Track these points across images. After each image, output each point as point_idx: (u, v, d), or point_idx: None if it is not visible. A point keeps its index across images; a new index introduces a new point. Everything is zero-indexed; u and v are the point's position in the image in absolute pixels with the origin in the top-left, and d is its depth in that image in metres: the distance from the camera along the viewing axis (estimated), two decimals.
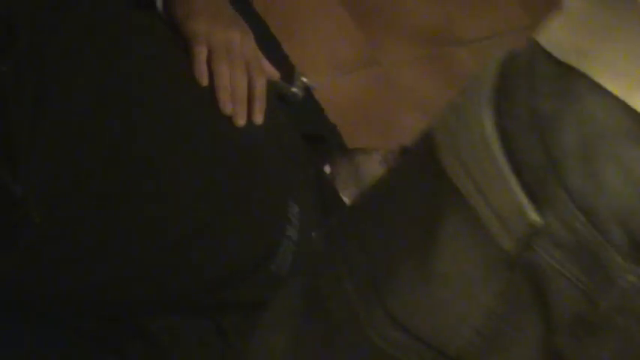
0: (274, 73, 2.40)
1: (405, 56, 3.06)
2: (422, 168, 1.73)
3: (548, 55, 1.49)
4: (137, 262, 2.17)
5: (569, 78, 1.55)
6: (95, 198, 2.07)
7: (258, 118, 2.27)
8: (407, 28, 3.13)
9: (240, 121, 2.24)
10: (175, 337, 2.18)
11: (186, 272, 2.22)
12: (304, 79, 2.62)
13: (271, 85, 2.40)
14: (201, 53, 2.26)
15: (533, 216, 1.56)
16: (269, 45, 2.61)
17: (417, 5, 3.18)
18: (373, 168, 2.45)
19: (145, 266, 2.18)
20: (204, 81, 2.25)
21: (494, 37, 3.26)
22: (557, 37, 1.54)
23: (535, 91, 1.58)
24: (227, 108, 2.24)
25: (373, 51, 3.01)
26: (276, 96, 2.39)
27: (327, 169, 2.46)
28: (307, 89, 2.64)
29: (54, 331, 2.22)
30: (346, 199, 2.46)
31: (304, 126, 2.55)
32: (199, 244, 2.22)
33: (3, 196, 1.93)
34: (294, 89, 2.47)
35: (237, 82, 2.26)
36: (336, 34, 2.98)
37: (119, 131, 2.11)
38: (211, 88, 2.27)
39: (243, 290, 2.27)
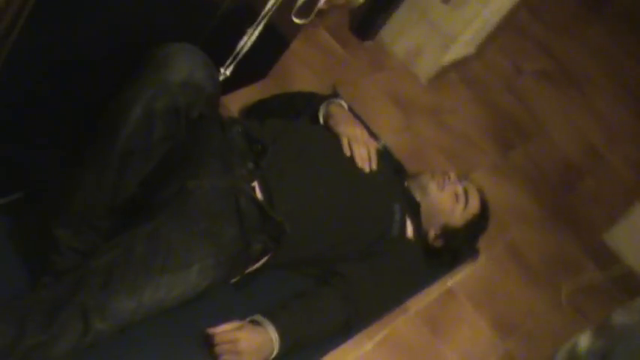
0: (375, 145, 2.35)
1: (421, 124, 3.04)
2: None
3: None
4: (330, 243, 2.15)
5: None
6: (312, 219, 2.07)
7: (374, 166, 2.26)
8: (418, 110, 3.10)
9: (367, 169, 2.25)
10: (343, 278, 2.18)
11: (356, 240, 2.21)
12: (382, 141, 2.59)
13: None
14: (345, 141, 2.25)
15: None
16: (366, 128, 2.55)
17: (423, 96, 3.15)
18: (426, 181, 2.42)
19: (333, 243, 2.17)
20: (348, 154, 2.22)
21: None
22: None
23: None
24: (361, 164, 2.23)
25: (408, 123, 2.98)
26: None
27: (405, 184, 2.44)
28: (385, 146, 2.60)
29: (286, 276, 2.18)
30: (417, 198, 2.41)
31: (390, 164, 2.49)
32: (364, 226, 2.21)
33: (271, 221, 1.91)
34: (380, 147, 2.42)
35: (363, 152, 2.26)
36: (390, 119, 2.96)
37: (321, 183, 2.11)
38: (352, 157, 2.24)
39: (381, 245, 2.25)
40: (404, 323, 2.37)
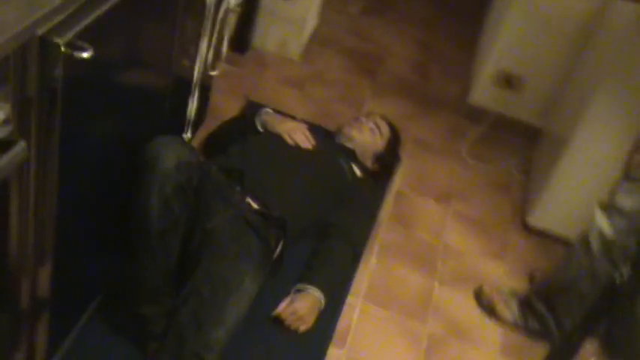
0: (305, 126, 2.30)
1: (314, 90, 2.98)
2: None
3: None
4: (314, 209, 2.12)
5: None
6: (296, 201, 2.04)
7: (313, 142, 2.23)
8: (306, 81, 3.02)
9: (310, 146, 2.23)
10: (336, 226, 2.16)
11: (328, 197, 2.18)
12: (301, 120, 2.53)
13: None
14: (285, 136, 2.22)
15: None
16: (289, 116, 2.49)
17: (303, 70, 3.08)
18: (348, 131, 2.42)
19: (316, 208, 2.13)
20: (293, 143, 2.18)
21: None
22: None
23: None
24: (304, 145, 2.19)
25: (305, 94, 2.92)
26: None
27: (337, 141, 2.42)
28: (305, 121, 2.53)
29: (298, 246, 2.13)
30: (349, 146, 2.38)
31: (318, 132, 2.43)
32: (328, 185, 2.17)
33: (273, 219, 1.89)
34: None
35: (302, 137, 2.22)
36: (293, 99, 2.88)
37: (288, 173, 2.08)
38: (296, 144, 2.19)
39: (347, 191, 2.23)
40: (383, 230, 2.39)
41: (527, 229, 2.53)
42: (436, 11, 3.92)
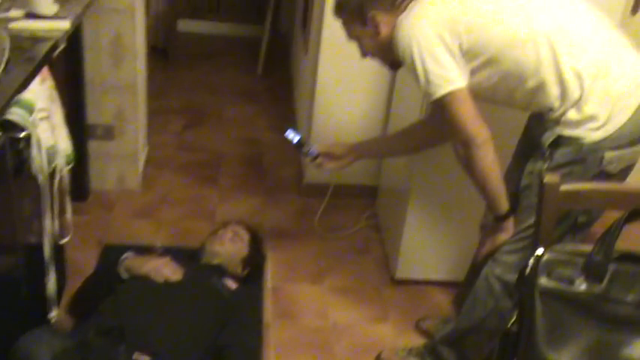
0: (167, 259, 2.10)
1: (164, 212, 2.77)
2: None
3: None
4: (205, 336, 1.92)
5: None
6: (185, 339, 1.83)
7: (180, 272, 2.03)
8: (152, 206, 2.82)
9: (179, 278, 2.02)
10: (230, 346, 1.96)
11: (213, 321, 1.98)
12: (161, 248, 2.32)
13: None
14: (152, 274, 2.01)
15: None
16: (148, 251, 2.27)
17: (148, 196, 2.87)
18: (210, 247, 2.24)
19: (206, 334, 1.93)
20: (162, 280, 1.98)
21: None
22: None
23: None
24: (174, 278, 2.01)
25: (158, 220, 2.71)
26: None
27: (202, 261, 2.22)
28: (164, 248, 2.33)
29: None
30: (216, 262, 2.20)
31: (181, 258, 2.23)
32: (209, 309, 1.98)
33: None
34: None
35: (167, 271, 2.03)
36: (147, 230, 2.65)
37: (168, 311, 1.85)
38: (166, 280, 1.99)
39: (227, 308, 2.05)
40: (273, 331, 2.23)
41: (397, 283, 2.48)
42: (251, 108, 3.88)
